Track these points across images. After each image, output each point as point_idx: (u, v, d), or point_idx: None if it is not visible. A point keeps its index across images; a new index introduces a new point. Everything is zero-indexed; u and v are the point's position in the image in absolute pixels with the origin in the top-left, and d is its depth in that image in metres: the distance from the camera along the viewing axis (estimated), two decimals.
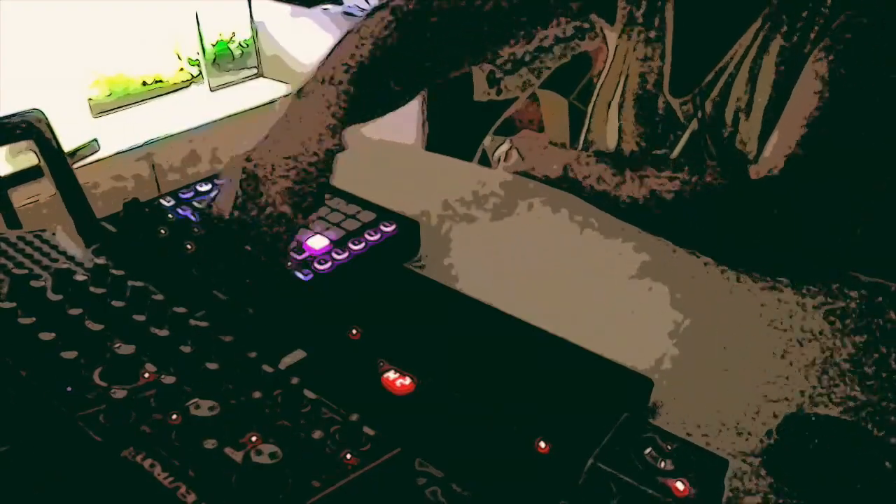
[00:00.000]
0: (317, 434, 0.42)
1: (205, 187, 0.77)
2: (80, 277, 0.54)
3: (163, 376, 0.45)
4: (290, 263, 0.67)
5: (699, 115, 0.84)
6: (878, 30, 0.74)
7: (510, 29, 0.84)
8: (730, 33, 0.82)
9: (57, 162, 0.74)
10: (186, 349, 0.49)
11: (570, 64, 1.60)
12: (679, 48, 0.87)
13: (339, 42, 0.74)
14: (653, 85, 0.89)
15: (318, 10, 2.10)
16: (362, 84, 0.70)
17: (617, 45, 0.93)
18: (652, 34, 0.89)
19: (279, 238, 0.62)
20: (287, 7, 2.18)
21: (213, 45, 2.19)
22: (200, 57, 2.18)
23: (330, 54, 0.72)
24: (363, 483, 0.42)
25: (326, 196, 0.76)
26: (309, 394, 0.47)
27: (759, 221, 0.75)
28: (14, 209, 0.78)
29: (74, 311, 0.50)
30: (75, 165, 1.32)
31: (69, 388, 0.45)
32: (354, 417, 0.44)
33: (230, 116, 2.10)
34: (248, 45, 2.24)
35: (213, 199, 0.67)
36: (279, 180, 0.62)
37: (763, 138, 0.79)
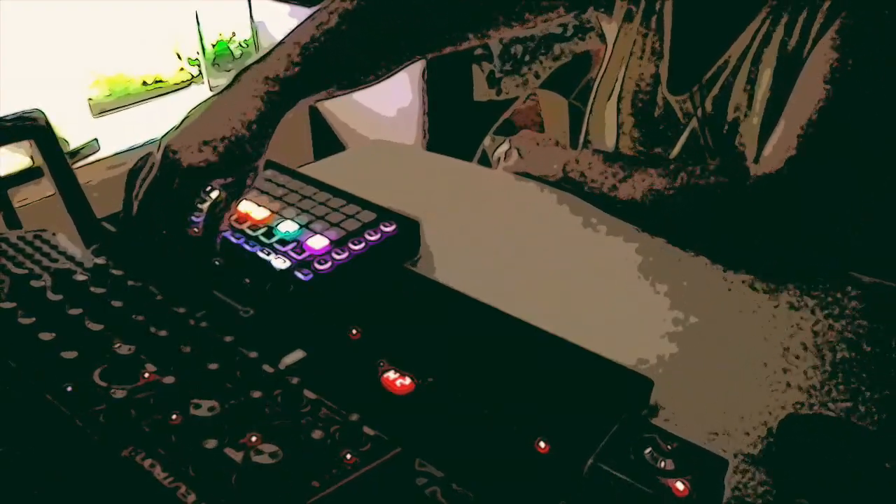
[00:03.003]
0: (317, 434, 0.42)
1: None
2: (80, 277, 0.54)
3: (163, 376, 0.45)
4: (218, 240, 0.68)
5: (699, 113, 0.84)
6: (880, 26, 0.73)
7: (495, 13, 0.84)
8: (730, 30, 0.82)
9: (57, 162, 0.74)
10: (186, 349, 0.49)
11: (570, 64, 1.60)
12: (678, 44, 0.87)
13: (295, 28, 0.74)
14: (651, 82, 0.89)
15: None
16: (305, 64, 0.70)
17: (615, 42, 0.93)
18: (650, 30, 0.89)
19: (189, 203, 0.64)
20: (287, 7, 2.18)
21: (213, 46, 2.19)
22: (200, 57, 2.18)
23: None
24: (363, 483, 0.42)
25: (327, 196, 0.76)
26: (309, 394, 0.47)
27: (758, 221, 0.75)
28: (14, 209, 0.78)
29: (74, 311, 0.50)
30: (75, 165, 1.32)
31: (69, 388, 0.45)
32: (354, 417, 0.44)
33: None
34: (248, 45, 2.24)
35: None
36: (195, 154, 0.63)
37: (763, 137, 0.79)
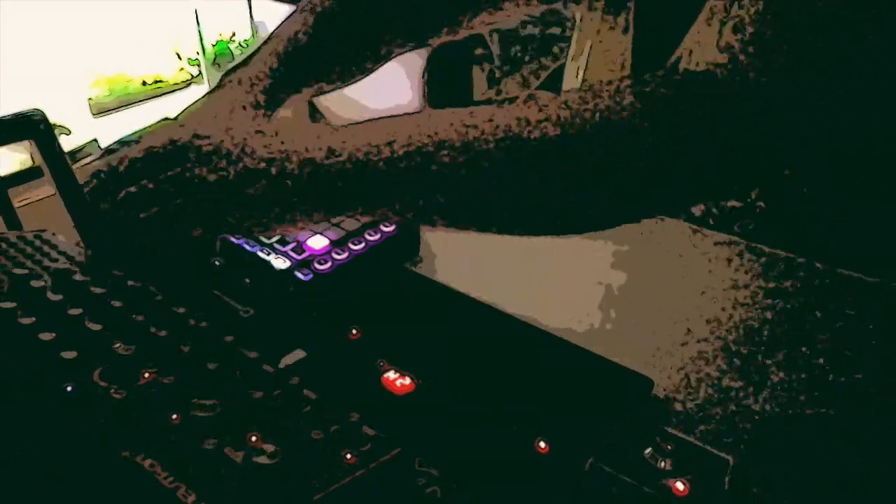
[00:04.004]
0: (317, 434, 0.42)
1: None
2: (80, 277, 0.54)
3: (163, 376, 0.45)
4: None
5: None
6: None
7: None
8: (694, 11, 0.78)
9: (57, 162, 0.74)
10: (186, 349, 0.49)
11: None
12: (643, 27, 0.84)
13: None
14: (617, 64, 0.87)
15: None
16: (287, 62, 0.70)
17: (581, 23, 0.92)
18: (615, 13, 0.87)
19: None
20: (287, 7, 2.18)
21: (213, 45, 2.19)
22: (200, 57, 2.18)
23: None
24: (363, 483, 0.42)
25: None
26: (309, 394, 0.47)
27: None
28: (14, 209, 0.78)
29: (74, 311, 0.50)
30: (75, 165, 1.32)
31: (69, 388, 0.45)
32: (354, 417, 0.44)
33: None
34: (248, 45, 2.24)
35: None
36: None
37: None
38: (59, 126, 0.73)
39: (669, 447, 0.47)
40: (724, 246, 0.77)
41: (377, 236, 0.71)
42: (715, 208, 0.85)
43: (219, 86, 0.69)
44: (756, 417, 0.57)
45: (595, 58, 0.89)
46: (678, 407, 0.57)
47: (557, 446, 0.50)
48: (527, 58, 1.88)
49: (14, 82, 1.70)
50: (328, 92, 0.76)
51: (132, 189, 0.61)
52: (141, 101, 2.21)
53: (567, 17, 1.80)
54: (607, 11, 0.88)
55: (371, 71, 0.78)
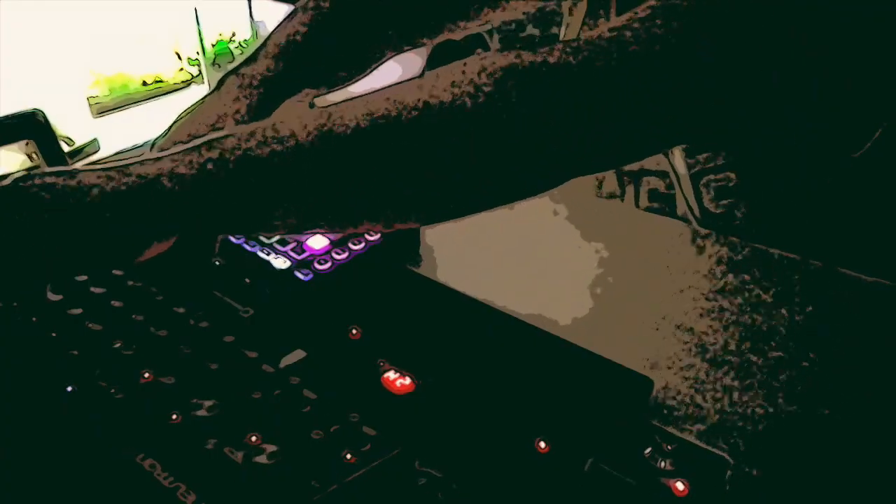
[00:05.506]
0: (317, 434, 0.42)
1: None
2: (80, 277, 0.54)
3: (163, 376, 0.45)
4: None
5: None
6: None
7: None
8: None
9: (57, 162, 0.74)
10: (186, 349, 0.49)
11: None
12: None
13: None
14: None
15: None
16: (284, 63, 0.70)
17: (567, 18, 0.92)
18: (598, 3, 0.86)
19: None
20: (287, 7, 2.18)
21: (213, 45, 2.19)
22: (200, 57, 2.17)
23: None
24: (363, 483, 0.42)
25: None
26: (309, 394, 0.47)
27: None
28: None
29: (74, 311, 0.50)
30: (75, 165, 1.32)
31: (69, 388, 0.45)
32: (354, 417, 0.45)
33: None
34: (247, 45, 2.23)
35: None
36: None
37: None
38: (58, 126, 0.73)
39: (669, 447, 0.47)
40: (725, 246, 0.77)
41: (377, 236, 0.71)
42: (713, 208, 0.85)
43: (216, 89, 0.69)
44: (756, 417, 0.57)
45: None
46: (678, 407, 0.57)
47: (557, 446, 0.50)
48: None
49: (14, 82, 1.69)
50: (327, 92, 0.76)
51: None
52: (141, 101, 2.20)
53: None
54: (591, 5, 0.87)
55: (370, 70, 0.78)
